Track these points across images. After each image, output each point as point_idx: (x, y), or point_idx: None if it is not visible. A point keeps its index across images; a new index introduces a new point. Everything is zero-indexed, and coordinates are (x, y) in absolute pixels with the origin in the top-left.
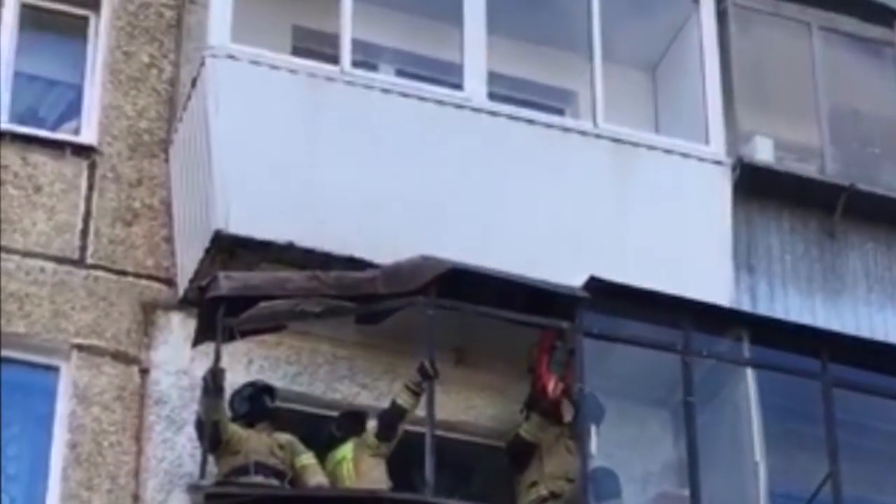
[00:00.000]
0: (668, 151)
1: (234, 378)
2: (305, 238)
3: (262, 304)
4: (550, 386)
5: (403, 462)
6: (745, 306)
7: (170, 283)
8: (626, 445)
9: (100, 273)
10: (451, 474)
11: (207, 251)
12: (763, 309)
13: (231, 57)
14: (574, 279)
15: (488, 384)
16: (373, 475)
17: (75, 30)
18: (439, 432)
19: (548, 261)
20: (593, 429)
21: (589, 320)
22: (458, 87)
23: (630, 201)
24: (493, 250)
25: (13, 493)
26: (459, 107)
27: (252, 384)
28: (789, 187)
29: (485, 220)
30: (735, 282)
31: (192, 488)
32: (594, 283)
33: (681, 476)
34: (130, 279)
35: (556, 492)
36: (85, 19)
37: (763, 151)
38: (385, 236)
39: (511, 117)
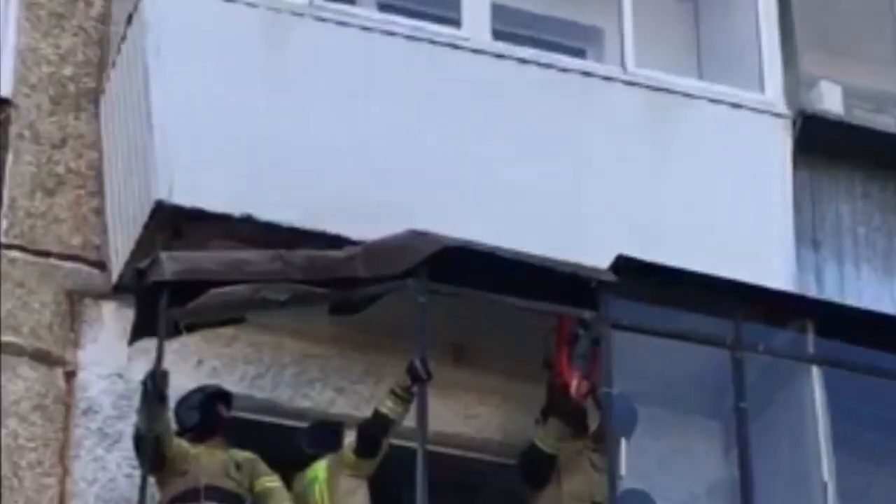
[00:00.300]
0: (713, 101)
1: (181, 382)
2: (268, 209)
3: (215, 291)
4: (573, 384)
5: (390, 484)
6: (810, 291)
7: (101, 265)
8: (664, 462)
9: (15, 254)
10: (448, 498)
11: (147, 226)
12: (831, 293)
13: None
14: (599, 259)
15: (494, 387)
16: (351, 500)
17: None
18: (433, 447)
19: (567, 236)
20: (623, 442)
21: (617, 309)
22: (454, 23)
23: (667, 163)
24: (499, 224)
25: None
26: (456, 47)
27: (202, 390)
28: (862, 143)
29: (487, 187)
30: (797, 260)
31: None
32: (623, 263)
33: (731, 499)
34: (52, 261)
35: None
36: None
37: (830, 100)
38: (366, 207)
39: (520, 60)
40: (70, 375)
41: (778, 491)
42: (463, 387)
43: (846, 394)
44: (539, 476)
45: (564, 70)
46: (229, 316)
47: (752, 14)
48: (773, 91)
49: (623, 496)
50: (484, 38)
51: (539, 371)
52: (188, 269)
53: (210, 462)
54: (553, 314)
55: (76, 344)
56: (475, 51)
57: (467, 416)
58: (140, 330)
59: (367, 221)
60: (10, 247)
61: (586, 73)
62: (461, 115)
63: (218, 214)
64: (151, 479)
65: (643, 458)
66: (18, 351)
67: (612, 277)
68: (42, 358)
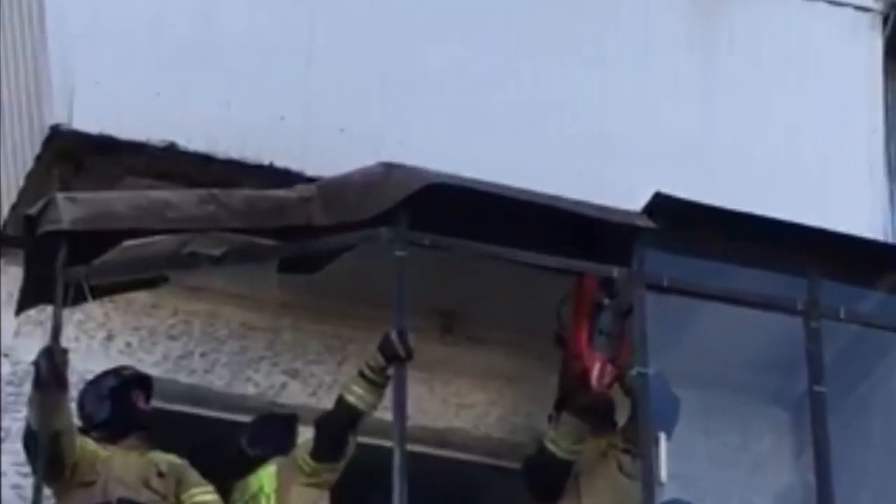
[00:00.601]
0: None
1: (86, 363)
2: (196, 136)
3: (128, 244)
4: (594, 372)
5: (358, 495)
6: None
7: None
8: (717, 464)
9: None
10: None
11: (39, 160)
12: None
13: None
14: (632, 199)
15: (494, 369)
16: None
17: None
18: (414, 447)
19: (590, 170)
20: (663, 438)
21: (655, 263)
22: None
23: (720, 74)
24: (503, 155)
25: None
26: None
27: (114, 374)
28: None
29: (489, 106)
30: (890, 201)
31: None
32: (662, 204)
33: None
34: None
35: None
36: None
37: None
38: (325, 133)
39: None
40: None
41: (866, 500)
42: (453, 368)
43: None
44: (550, 486)
45: None
46: (147, 276)
47: None
48: None
49: None
50: None
51: (553, 348)
52: (93, 215)
53: (124, 468)
54: (569, 272)
55: None
56: None
57: (459, 406)
58: (30, 295)
59: (326, 152)
60: None
61: None
62: (457, 11)
63: (131, 143)
64: (47, 491)
65: (689, 460)
66: None
67: (647, 222)
68: None
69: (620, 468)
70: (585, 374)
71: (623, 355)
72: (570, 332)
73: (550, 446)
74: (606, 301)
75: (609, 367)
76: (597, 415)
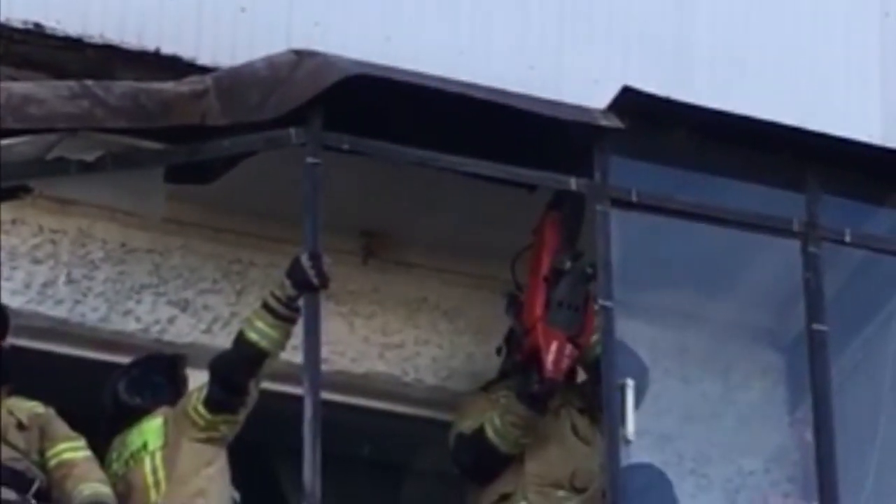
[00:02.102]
0: None
1: None
2: (66, 16)
3: None
4: (550, 354)
5: (261, 453)
6: None
7: None
8: (696, 420)
9: None
10: (352, 475)
11: None
12: None
13: None
14: (594, 95)
15: (426, 301)
16: (200, 480)
17: None
18: (330, 395)
19: (545, 62)
20: (630, 385)
21: (621, 173)
22: None
23: None
24: (437, 41)
25: None
26: None
27: None
28: None
29: None
30: None
31: None
32: (631, 100)
33: (802, 478)
34: None
35: None
36: None
37: None
38: (224, 13)
39: None
40: None
41: (877, 464)
42: (377, 299)
43: None
44: (483, 472)
45: None
46: (6, 186)
47: None
48: None
49: (627, 474)
50: None
51: (503, 271)
52: None
53: None
54: (516, 183)
55: None
56: None
57: (384, 345)
58: None
59: (224, 36)
60: None
61: None
62: None
63: None
64: None
65: (662, 414)
66: None
67: (613, 122)
68: None
69: (575, 431)
70: (538, 354)
71: (587, 332)
72: (525, 299)
73: (492, 437)
74: (568, 265)
75: (568, 348)
76: (547, 401)
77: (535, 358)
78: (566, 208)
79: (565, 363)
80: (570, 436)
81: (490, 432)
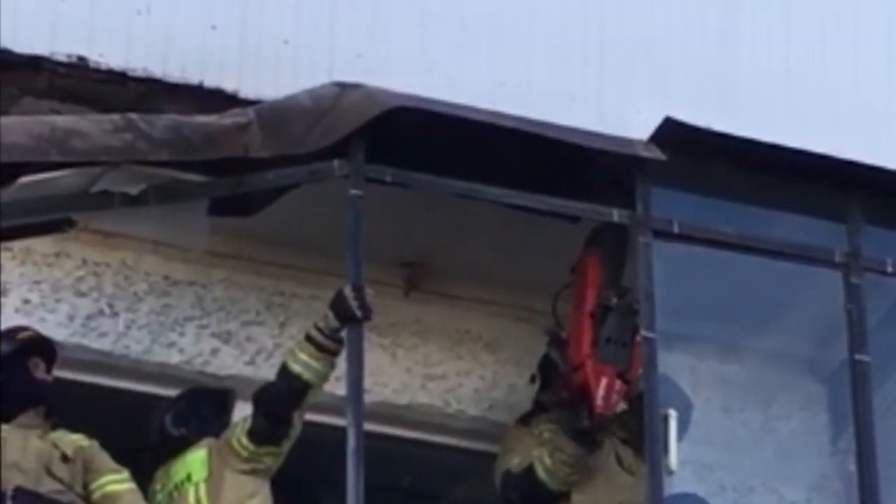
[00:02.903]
0: None
1: None
2: (109, 49)
3: (26, 180)
4: (600, 391)
5: (305, 483)
6: None
7: None
8: (739, 449)
9: None
10: None
11: None
12: None
13: None
14: (636, 126)
15: (469, 332)
16: None
17: None
18: (373, 426)
19: (586, 92)
20: (672, 417)
21: (663, 204)
22: None
23: None
24: (479, 73)
25: None
26: None
27: (9, 336)
28: None
29: (461, 14)
30: None
31: None
32: (673, 131)
33: None
34: None
35: None
36: None
37: None
38: (267, 45)
39: None
40: None
41: None
42: (420, 331)
43: None
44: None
45: None
46: (49, 219)
47: None
48: None
49: (671, 503)
50: None
51: (544, 302)
52: None
53: (21, 452)
54: (558, 214)
55: None
56: None
57: (427, 377)
58: None
59: (266, 68)
60: None
61: None
62: None
63: (30, 57)
64: None
65: (704, 444)
66: None
67: (655, 153)
68: None
69: (619, 462)
70: (587, 391)
71: (635, 366)
72: (571, 336)
73: (543, 475)
74: (614, 300)
75: (618, 384)
76: (594, 437)
77: (585, 394)
78: (606, 244)
79: (615, 399)
80: (615, 467)
81: (540, 471)
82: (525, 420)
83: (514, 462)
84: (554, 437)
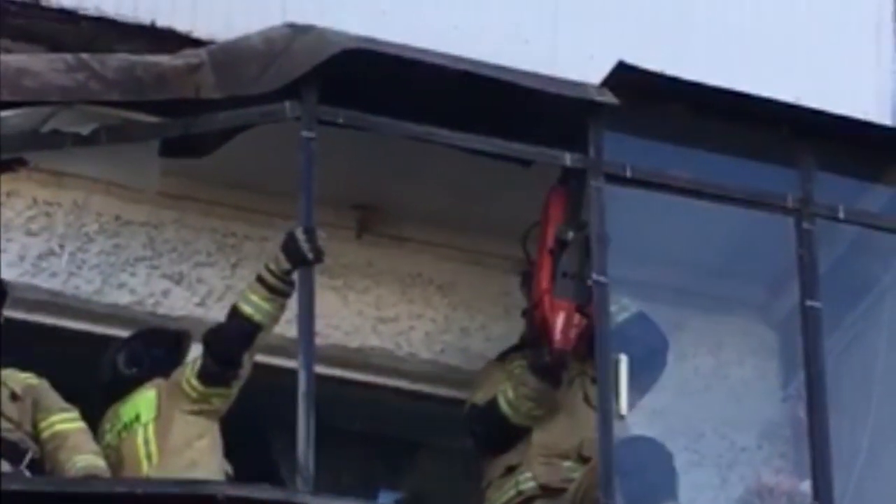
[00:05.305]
0: None
1: None
2: None
3: None
4: (558, 324)
5: (254, 426)
6: None
7: None
8: (689, 393)
9: None
10: (351, 451)
11: None
12: None
13: None
14: (589, 71)
15: (421, 275)
16: (192, 452)
17: None
18: (324, 369)
19: (539, 37)
20: (624, 361)
21: (616, 148)
22: None
23: None
24: (434, 16)
25: None
26: None
27: None
28: None
29: None
30: None
31: None
32: (626, 75)
33: (795, 454)
34: None
35: (549, 483)
36: None
37: None
38: None
39: None
40: None
41: (869, 441)
42: (372, 274)
43: None
44: (497, 442)
45: None
46: (1, 159)
47: None
48: None
49: (623, 446)
50: None
51: (509, 246)
52: None
53: None
54: (510, 158)
55: None
56: None
57: (378, 319)
58: None
59: (219, 9)
60: None
61: None
62: None
63: None
64: None
65: (657, 389)
66: None
67: (607, 97)
68: None
69: (587, 400)
70: (546, 327)
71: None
72: (533, 273)
73: (505, 408)
74: (570, 235)
75: (576, 318)
76: (562, 371)
77: (544, 330)
78: (572, 183)
79: (573, 333)
80: (582, 405)
81: (503, 403)
82: (503, 356)
83: (479, 395)
84: (522, 372)
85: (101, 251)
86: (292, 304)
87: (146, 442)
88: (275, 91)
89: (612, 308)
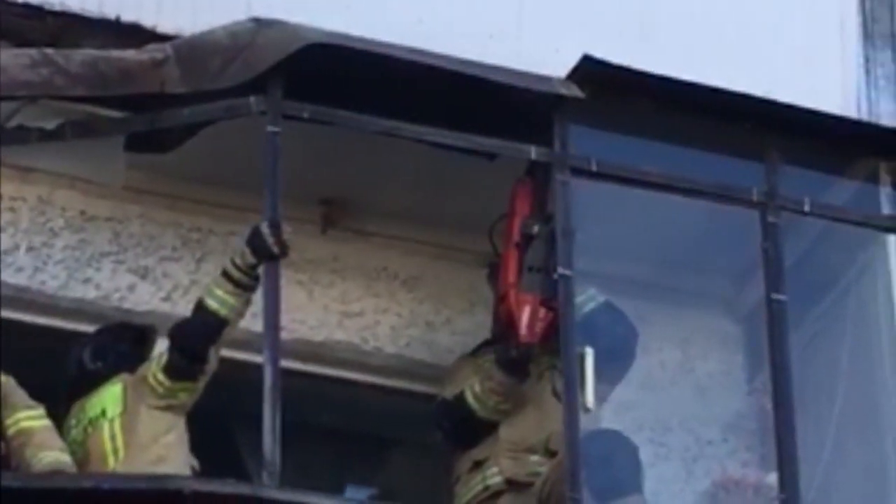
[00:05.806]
0: None
1: None
2: None
3: None
4: (523, 318)
5: (220, 420)
6: (885, 117)
7: None
8: (655, 387)
9: None
10: (313, 445)
11: None
12: None
13: None
14: (555, 65)
15: (386, 270)
16: (158, 447)
17: None
18: (290, 363)
19: (505, 31)
20: (589, 354)
21: (581, 142)
22: None
23: None
24: (400, 10)
25: None
26: None
27: None
28: None
29: None
30: (866, 70)
31: None
32: (591, 69)
33: (760, 447)
34: None
35: (516, 477)
36: None
37: None
38: None
39: None
40: None
41: (835, 434)
42: (337, 268)
43: None
44: (465, 437)
45: None
46: None
47: None
48: None
49: (589, 440)
50: None
51: (475, 240)
52: None
53: None
54: (475, 152)
55: None
56: None
57: (344, 314)
58: None
59: (184, 3)
60: None
61: None
62: None
63: None
64: None
65: (623, 382)
66: None
67: (573, 91)
68: None
69: (556, 394)
70: (512, 319)
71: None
72: (499, 267)
73: (472, 402)
74: (535, 228)
75: (542, 312)
76: (528, 365)
77: (510, 324)
78: (538, 177)
79: (539, 327)
80: (550, 399)
81: (469, 397)
82: (475, 351)
83: (448, 390)
84: (490, 367)
85: (67, 246)
86: (258, 298)
87: (112, 437)
88: (240, 86)
89: (580, 298)
